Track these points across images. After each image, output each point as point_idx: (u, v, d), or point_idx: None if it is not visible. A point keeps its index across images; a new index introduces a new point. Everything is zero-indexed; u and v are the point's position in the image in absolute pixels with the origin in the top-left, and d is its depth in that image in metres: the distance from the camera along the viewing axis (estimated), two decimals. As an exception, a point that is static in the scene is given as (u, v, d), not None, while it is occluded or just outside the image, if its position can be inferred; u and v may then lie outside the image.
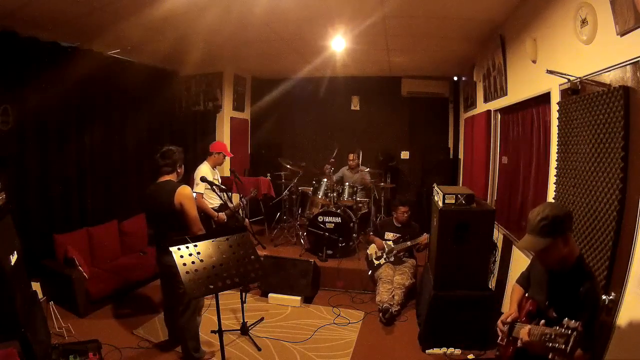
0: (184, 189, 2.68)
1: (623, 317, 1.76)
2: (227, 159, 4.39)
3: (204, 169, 4.02)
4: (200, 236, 2.22)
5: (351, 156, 5.73)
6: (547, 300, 1.65)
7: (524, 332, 1.59)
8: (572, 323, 1.33)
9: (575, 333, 1.30)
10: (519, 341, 1.63)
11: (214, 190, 3.55)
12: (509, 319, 1.81)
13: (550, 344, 1.35)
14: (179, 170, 2.85)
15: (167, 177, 2.80)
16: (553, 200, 2.53)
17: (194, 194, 3.21)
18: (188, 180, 3.43)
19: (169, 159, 2.79)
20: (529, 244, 1.63)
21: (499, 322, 1.84)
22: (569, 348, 1.29)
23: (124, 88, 4.85)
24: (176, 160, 2.82)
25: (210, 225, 3.84)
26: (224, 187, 3.82)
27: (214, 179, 4.09)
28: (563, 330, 1.34)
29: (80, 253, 3.87)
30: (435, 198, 3.39)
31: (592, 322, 1.54)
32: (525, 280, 1.98)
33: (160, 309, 3.79)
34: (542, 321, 1.55)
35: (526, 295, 1.89)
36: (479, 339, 3.05)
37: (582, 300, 1.54)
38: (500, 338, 1.89)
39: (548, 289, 1.69)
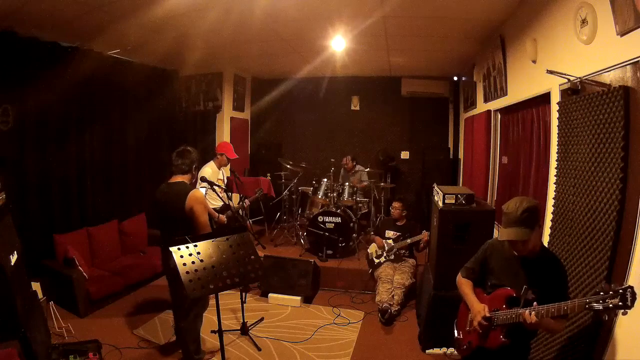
0: (196, 193, 2.63)
1: (623, 317, 1.75)
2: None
3: (207, 169, 4.02)
4: (200, 236, 2.22)
5: (344, 159, 5.76)
6: (525, 283, 1.77)
7: (527, 315, 1.68)
8: (613, 286, 1.47)
9: (629, 289, 1.43)
10: (526, 324, 1.71)
11: (214, 191, 3.55)
12: (488, 313, 1.88)
13: (602, 307, 1.47)
14: (193, 172, 2.81)
15: (180, 178, 2.74)
16: (552, 199, 2.53)
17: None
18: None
19: (186, 158, 2.74)
20: (515, 234, 1.75)
21: (480, 320, 1.88)
22: (629, 302, 1.43)
23: (124, 88, 4.86)
24: (193, 160, 2.77)
25: (210, 225, 3.83)
26: (224, 187, 3.82)
27: (218, 179, 4.08)
28: (610, 292, 1.46)
29: (80, 253, 3.87)
30: (435, 198, 3.39)
31: (567, 290, 1.87)
32: (472, 273, 2.10)
33: (160, 309, 3.80)
34: (535, 303, 1.71)
35: (489, 284, 1.99)
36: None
37: (558, 277, 1.80)
38: (465, 333, 2.06)
39: (526, 273, 1.84)
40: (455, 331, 2.23)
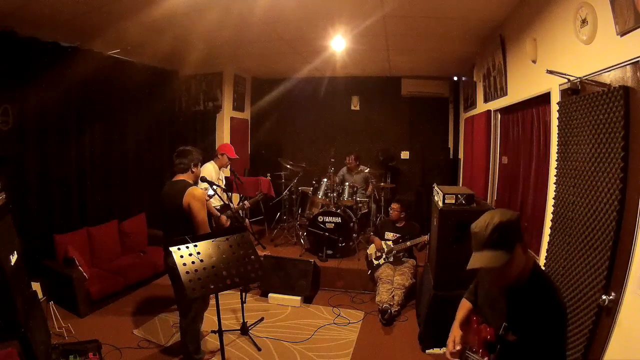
0: (193, 190, 2.66)
1: (623, 317, 1.76)
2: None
3: (209, 168, 4.01)
4: (200, 236, 2.22)
5: (347, 158, 5.75)
6: (504, 322, 1.43)
7: None
8: None
9: None
10: None
11: (214, 191, 3.55)
12: (457, 347, 1.58)
13: None
14: (194, 170, 2.85)
15: (181, 177, 2.79)
16: (552, 199, 2.52)
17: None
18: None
19: (185, 157, 2.80)
20: (486, 260, 1.36)
21: (447, 352, 1.62)
22: None
23: (124, 88, 4.86)
24: (192, 159, 2.83)
25: (210, 225, 3.83)
26: (224, 187, 3.82)
27: (218, 179, 4.08)
28: None
29: (80, 253, 3.87)
30: (435, 198, 3.40)
31: (560, 337, 1.39)
32: (473, 295, 1.80)
33: (160, 309, 3.80)
34: None
35: (475, 314, 1.69)
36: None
37: (544, 319, 1.36)
38: None
39: (507, 306, 1.46)
40: None
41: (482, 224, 1.39)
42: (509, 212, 1.43)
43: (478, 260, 1.38)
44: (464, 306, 1.80)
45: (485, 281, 1.63)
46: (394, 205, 4.29)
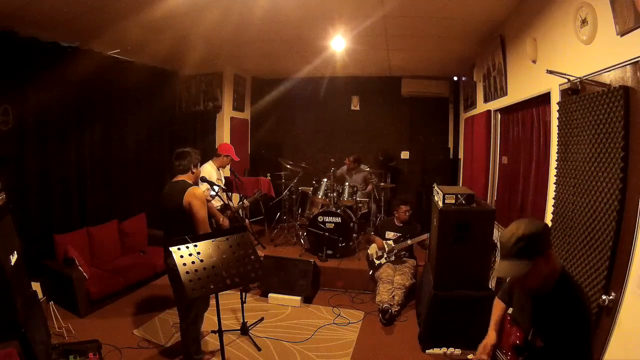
0: (194, 189, 2.69)
1: (623, 317, 1.76)
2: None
3: (208, 169, 4.01)
4: (200, 236, 2.22)
5: (347, 160, 5.76)
6: (531, 327, 1.47)
7: None
8: None
9: None
10: None
11: (214, 191, 3.54)
12: (483, 356, 1.63)
13: None
14: (194, 171, 2.87)
15: (181, 177, 2.81)
16: (552, 199, 2.53)
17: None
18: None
19: (183, 159, 2.82)
20: (507, 270, 1.42)
21: (479, 354, 1.67)
22: None
23: (124, 88, 4.86)
24: (191, 160, 2.85)
25: (212, 226, 3.82)
26: (224, 187, 3.81)
27: (217, 179, 4.08)
28: None
29: (80, 253, 3.87)
30: (435, 198, 3.40)
31: (585, 341, 1.41)
32: (507, 295, 1.80)
33: (160, 309, 3.80)
34: None
35: (509, 315, 1.72)
36: (479, 339, 3.04)
37: (568, 327, 1.38)
38: None
39: (532, 315, 1.50)
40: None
41: (508, 234, 1.43)
42: (536, 223, 1.45)
43: (500, 269, 1.44)
44: (498, 307, 1.82)
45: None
46: (405, 207, 4.24)
